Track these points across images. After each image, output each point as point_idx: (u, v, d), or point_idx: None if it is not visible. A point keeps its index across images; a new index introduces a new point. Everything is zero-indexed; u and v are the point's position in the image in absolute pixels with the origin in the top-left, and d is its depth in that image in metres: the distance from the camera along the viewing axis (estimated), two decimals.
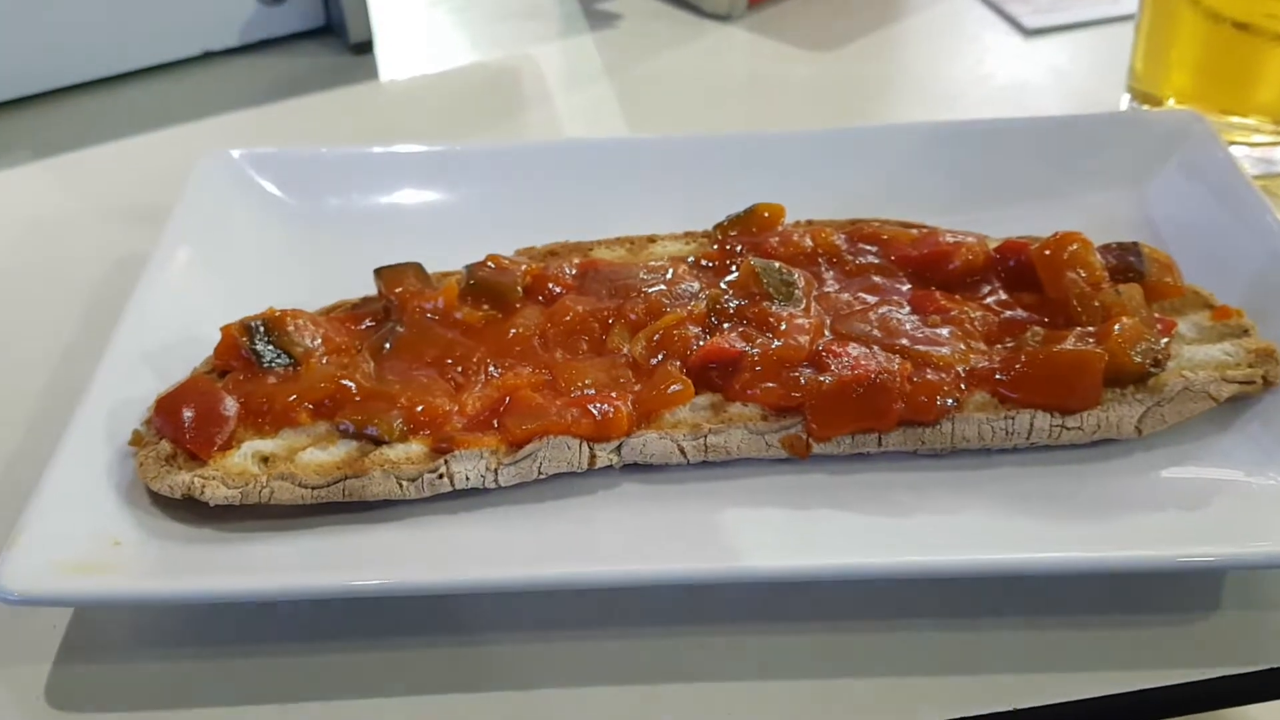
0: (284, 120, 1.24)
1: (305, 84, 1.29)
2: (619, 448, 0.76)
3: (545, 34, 1.40)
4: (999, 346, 0.80)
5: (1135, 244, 0.86)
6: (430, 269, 0.90)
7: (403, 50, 1.38)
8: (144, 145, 1.20)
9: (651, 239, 0.94)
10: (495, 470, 0.74)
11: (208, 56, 1.33)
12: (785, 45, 1.34)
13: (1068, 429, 0.76)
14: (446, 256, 0.92)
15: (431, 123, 1.25)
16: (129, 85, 1.29)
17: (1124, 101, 1.18)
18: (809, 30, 1.37)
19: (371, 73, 1.33)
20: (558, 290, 0.86)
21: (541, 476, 0.75)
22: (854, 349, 0.78)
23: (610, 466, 0.76)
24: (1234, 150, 1.07)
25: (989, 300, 0.85)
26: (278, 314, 0.82)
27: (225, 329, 0.81)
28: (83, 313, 0.97)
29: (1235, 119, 1.09)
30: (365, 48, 1.34)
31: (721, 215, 0.94)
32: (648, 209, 0.99)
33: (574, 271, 0.88)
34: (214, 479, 0.73)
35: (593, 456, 0.76)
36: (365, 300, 0.89)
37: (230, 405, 0.76)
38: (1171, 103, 1.12)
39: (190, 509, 0.73)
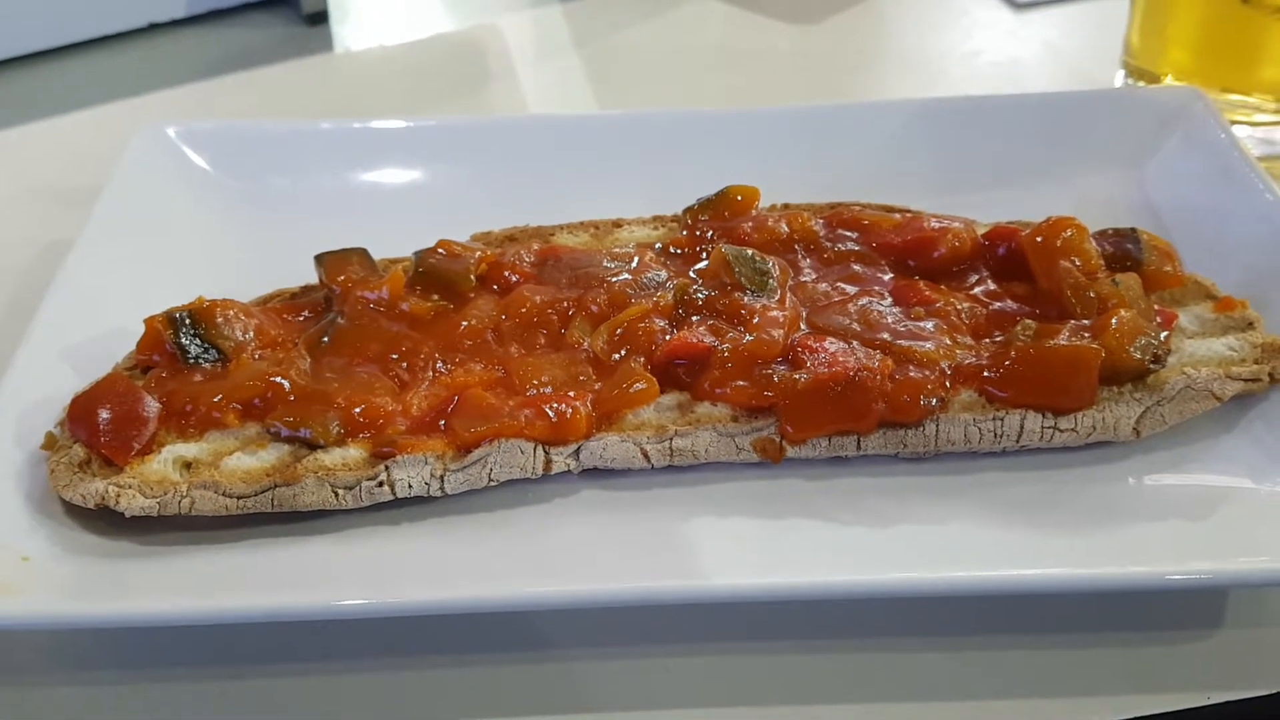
0: (233, 97, 1.17)
1: (256, 57, 1.22)
2: (577, 452, 0.70)
3: (511, 2, 1.33)
4: (987, 341, 0.74)
5: (1134, 230, 0.80)
6: (378, 254, 0.84)
7: (360, 20, 1.31)
8: (82, 123, 1.13)
9: (617, 223, 0.88)
10: (441, 477, 0.68)
11: (153, 29, 1.25)
12: (764, 16, 1.27)
13: (1060, 431, 0.70)
14: (396, 241, 0.86)
15: (389, 99, 1.18)
16: (68, 59, 1.22)
17: (1119, 78, 1.12)
18: (790, 1, 1.30)
19: (326, 44, 1.26)
20: (514, 279, 0.80)
21: (492, 483, 0.69)
22: (831, 344, 0.72)
23: (568, 472, 0.70)
24: (1235, 130, 1.02)
25: (977, 290, 0.79)
26: (206, 305, 0.75)
27: (149, 321, 0.75)
28: (6, 303, 0.90)
29: (1236, 97, 1.03)
30: (320, 18, 1.27)
31: (693, 197, 0.87)
32: (614, 189, 0.93)
33: (532, 259, 0.81)
34: (130, 488, 0.66)
35: (548, 461, 0.70)
36: (305, 289, 0.82)
37: (150, 406, 0.70)
38: (1169, 80, 1.06)
39: (106, 519, 0.67)
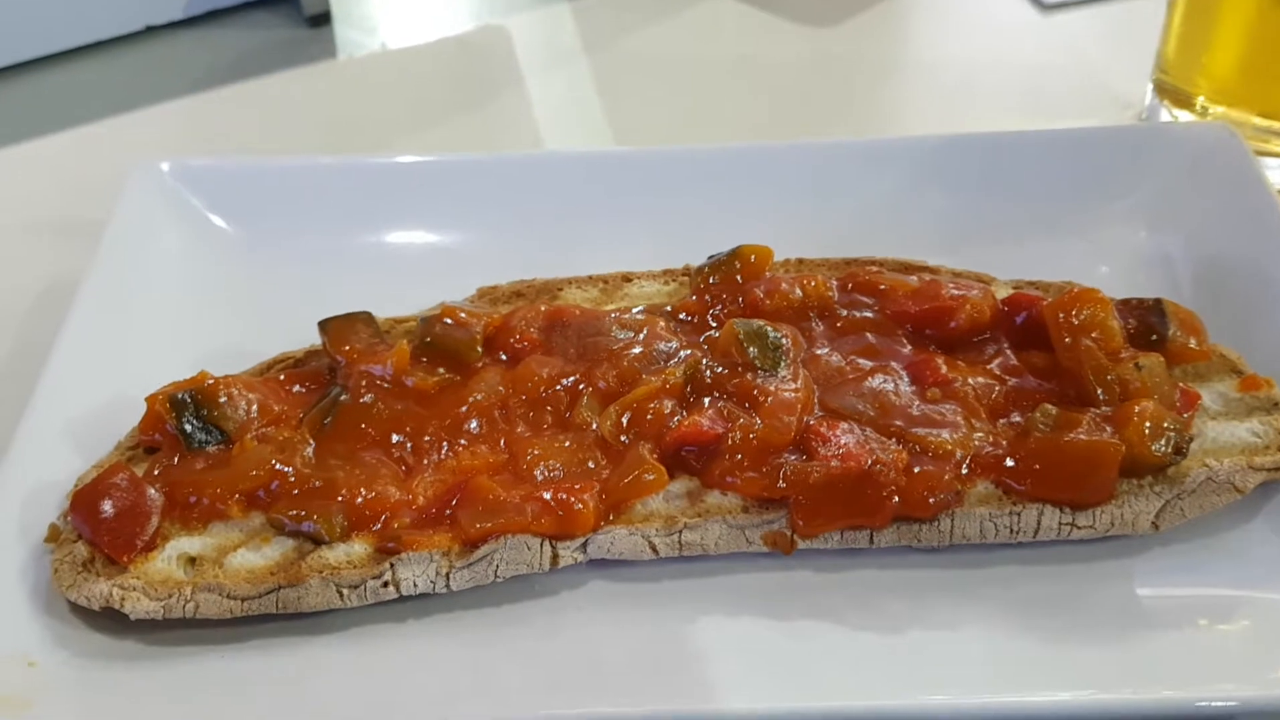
0: (233, 110, 1.14)
1: (257, 63, 1.19)
2: (584, 545, 0.69)
3: (518, 2, 1.29)
4: (1004, 422, 0.73)
5: (1158, 302, 0.77)
6: (385, 303, 0.82)
7: (364, 19, 1.26)
8: (79, 142, 1.10)
9: (627, 277, 0.86)
10: (447, 574, 0.68)
11: (150, 31, 1.21)
12: (780, 19, 1.23)
13: (1078, 527, 0.69)
14: (402, 287, 0.85)
15: (392, 110, 1.15)
16: (64, 68, 1.18)
17: (1147, 95, 1.08)
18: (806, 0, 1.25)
19: (329, 49, 1.22)
20: (522, 344, 0.78)
21: (499, 580, 0.68)
22: (844, 433, 0.70)
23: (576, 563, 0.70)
24: (1270, 162, 0.98)
25: (995, 363, 0.77)
26: (209, 384, 0.74)
27: (150, 400, 0.73)
28: (6, 355, 0.88)
29: (1273, 124, 0.99)
30: (322, 19, 1.23)
31: (706, 236, 0.85)
32: (624, 227, 0.92)
33: (539, 325, 0.79)
34: (135, 590, 0.66)
35: (555, 556, 0.69)
36: (309, 354, 0.81)
37: (153, 499, 0.69)
38: (1201, 102, 1.02)
39: (111, 615, 0.67)
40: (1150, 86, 1.08)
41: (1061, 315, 0.75)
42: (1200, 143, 0.91)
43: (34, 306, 0.91)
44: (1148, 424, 0.69)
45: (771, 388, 0.73)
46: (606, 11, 1.26)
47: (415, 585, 0.67)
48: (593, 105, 1.15)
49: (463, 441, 0.73)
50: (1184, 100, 1.04)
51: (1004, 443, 0.71)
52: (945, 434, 0.71)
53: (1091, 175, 0.91)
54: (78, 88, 1.16)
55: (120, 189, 0.90)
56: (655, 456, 0.71)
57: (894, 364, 0.76)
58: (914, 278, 0.81)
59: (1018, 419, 0.73)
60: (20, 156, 1.09)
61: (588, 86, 1.17)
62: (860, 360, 0.76)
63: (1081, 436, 0.69)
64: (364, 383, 0.75)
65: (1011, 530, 0.69)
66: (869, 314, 0.79)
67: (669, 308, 0.81)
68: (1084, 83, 1.13)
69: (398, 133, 1.11)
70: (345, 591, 0.67)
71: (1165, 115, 1.05)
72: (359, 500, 0.69)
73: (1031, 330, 0.77)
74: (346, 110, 1.15)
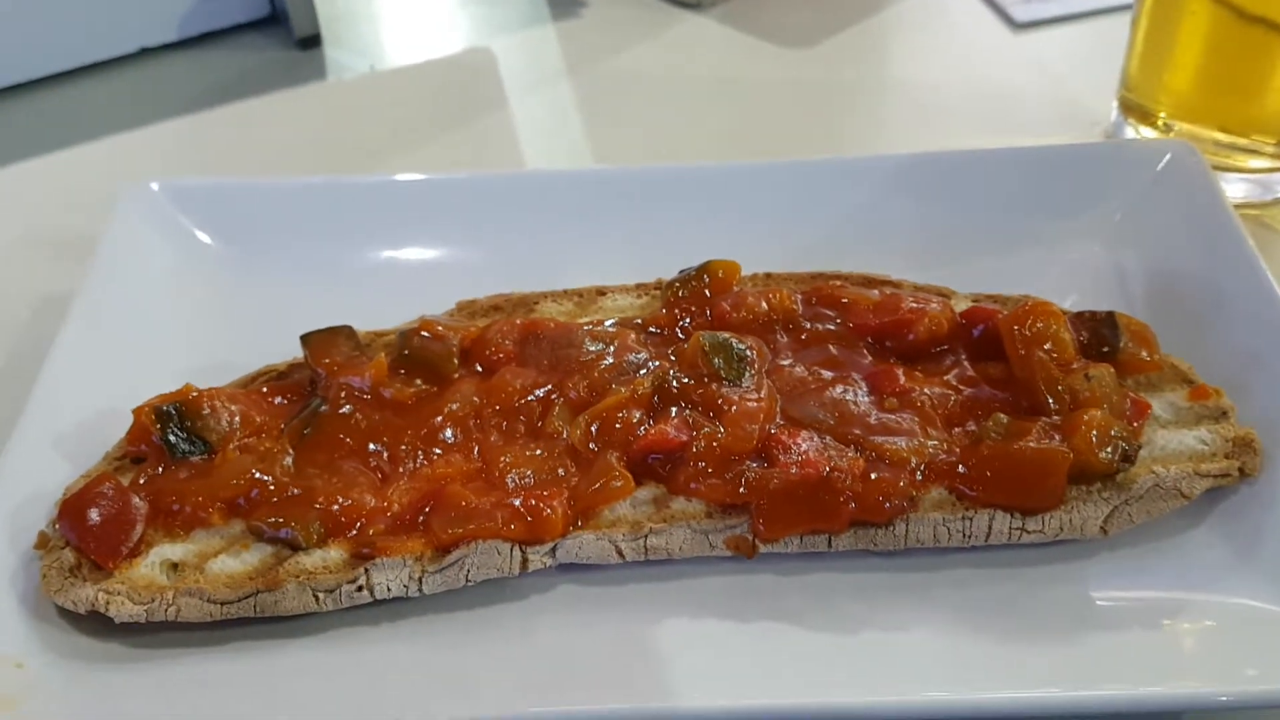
0: (225, 128, 1.17)
1: (249, 84, 1.22)
2: (553, 550, 0.72)
3: (504, 23, 1.32)
4: (959, 431, 0.75)
5: (1110, 315, 0.80)
6: (367, 316, 0.85)
7: (353, 42, 1.30)
8: (73, 162, 1.13)
9: (601, 291, 0.89)
10: (420, 579, 0.70)
11: (144, 53, 1.25)
12: (760, 40, 1.26)
13: (1028, 532, 0.71)
14: (385, 303, 0.87)
15: (380, 130, 1.18)
16: (60, 89, 1.21)
17: (1113, 113, 1.11)
18: (785, 20, 1.28)
19: (319, 71, 1.25)
20: (497, 356, 0.81)
21: (470, 584, 0.71)
22: (804, 441, 0.73)
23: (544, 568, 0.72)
24: (1230, 177, 1.01)
25: (952, 373, 0.79)
26: (193, 396, 0.77)
27: (136, 413, 0.76)
28: (1, 367, 0.91)
29: (1233, 139, 1.01)
30: (312, 41, 1.26)
31: (679, 253, 0.88)
32: (601, 243, 0.94)
33: (514, 338, 0.82)
34: (119, 594, 0.69)
35: (525, 560, 0.71)
36: (292, 367, 0.84)
37: (138, 508, 0.71)
38: (1163, 118, 1.05)
39: (99, 620, 0.69)
40: (1115, 104, 1.10)
41: (1016, 328, 0.77)
42: (1160, 159, 0.94)
43: (28, 320, 0.94)
44: (1095, 432, 0.71)
45: (735, 397, 0.76)
46: (588, 31, 1.29)
47: (389, 589, 0.70)
48: (574, 124, 1.18)
49: (437, 450, 0.75)
50: (1147, 117, 1.07)
51: (957, 450, 0.73)
52: (901, 442, 0.73)
53: (1053, 192, 0.94)
54: (73, 108, 1.19)
55: (112, 208, 0.93)
56: (623, 464, 0.74)
57: (854, 374, 0.78)
58: (876, 291, 0.84)
59: (972, 428, 0.75)
60: (16, 175, 1.12)
61: (570, 106, 1.20)
62: (822, 371, 0.79)
63: (1031, 444, 0.72)
64: (343, 394, 0.78)
65: (964, 535, 0.72)
66: (831, 326, 0.82)
67: (640, 320, 0.84)
68: (1054, 100, 1.16)
69: (385, 153, 1.14)
70: (321, 595, 0.69)
71: (1130, 132, 1.08)
72: (335, 507, 0.72)
73: (988, 342, 0.80)
74: (335, 130, 1.18)
